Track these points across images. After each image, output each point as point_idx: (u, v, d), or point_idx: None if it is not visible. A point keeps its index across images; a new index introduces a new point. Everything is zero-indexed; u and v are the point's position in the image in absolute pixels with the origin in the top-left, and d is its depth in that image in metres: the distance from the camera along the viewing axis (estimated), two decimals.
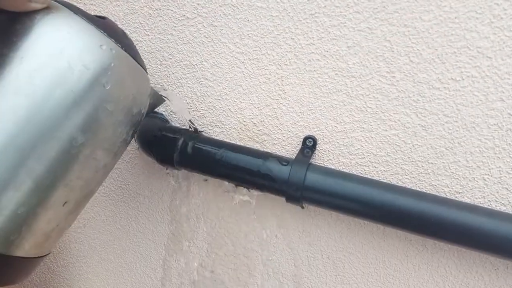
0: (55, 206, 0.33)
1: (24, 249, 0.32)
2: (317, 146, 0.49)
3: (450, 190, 0.44)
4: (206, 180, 0.58)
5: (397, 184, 0.46)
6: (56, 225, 0.34)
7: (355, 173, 0.48)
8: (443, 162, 0.44)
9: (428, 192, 0.44)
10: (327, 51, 0.45)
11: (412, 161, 0.45)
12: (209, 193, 0.58)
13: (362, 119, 0.46)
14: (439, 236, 0.41)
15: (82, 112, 0.32)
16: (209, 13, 0.49)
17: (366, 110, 0.45)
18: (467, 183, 0.43)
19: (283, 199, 0.47)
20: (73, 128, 0.31)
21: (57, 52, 0.30)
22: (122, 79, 0.34)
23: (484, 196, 0.43)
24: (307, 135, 0.49)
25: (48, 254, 0.36)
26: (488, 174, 0.42)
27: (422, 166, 0.45)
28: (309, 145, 0.48)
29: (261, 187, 0.48)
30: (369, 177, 0.47)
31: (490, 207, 0.42)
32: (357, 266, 0.53)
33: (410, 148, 0.45)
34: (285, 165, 0.46)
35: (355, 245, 0.52)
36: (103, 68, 0.32)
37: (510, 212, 0.42)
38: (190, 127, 0.53)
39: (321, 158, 0.49)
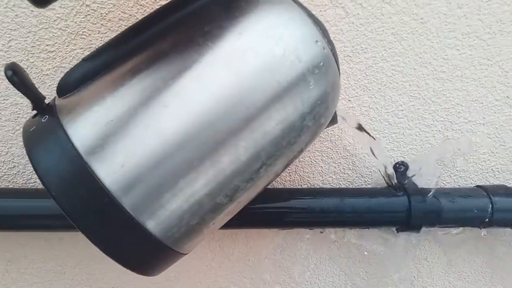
0: (220, 202, 0.30)
1: (177, 241, 0.29)
2: None
3: None
4: None
5: None
6: (212, 223, 0.31)
7: None
8: None
9: None
10: None
11: None
12: None
13: None
14: None
15: (281, 106, 0.29)
16: None
17: None
18: None
19: None
20: (268, 121, 0.29)
21: (276, 36, 0.29)
22: (325, 83, 0.32)
23: None
24: None
25: (187, 254, 0.33)
26: None
27: None
28: None
29: None
30: None
31: None
32: None
33: None
34: None
35: None
36: (313, 64, 0.30)
37: None
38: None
39: None
